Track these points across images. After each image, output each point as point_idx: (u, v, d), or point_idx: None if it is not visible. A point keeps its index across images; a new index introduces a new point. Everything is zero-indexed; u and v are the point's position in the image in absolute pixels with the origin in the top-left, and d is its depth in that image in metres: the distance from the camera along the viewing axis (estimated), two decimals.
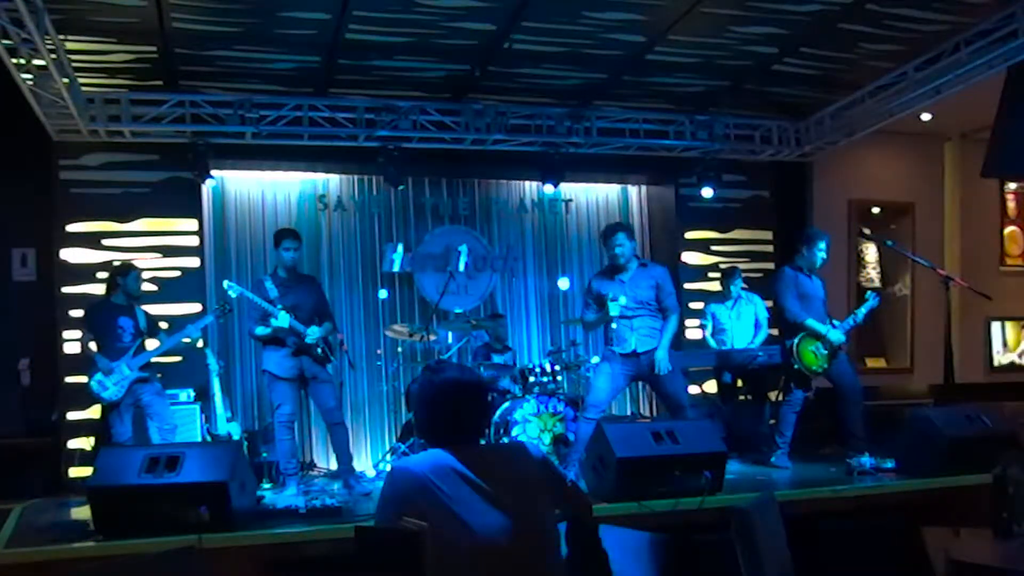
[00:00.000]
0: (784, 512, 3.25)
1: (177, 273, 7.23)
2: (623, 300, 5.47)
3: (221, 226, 7.75)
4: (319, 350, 5.77)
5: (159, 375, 6.07)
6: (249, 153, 7.49)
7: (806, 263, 6.03)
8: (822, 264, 6.06)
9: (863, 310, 6.03)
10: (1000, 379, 9.29)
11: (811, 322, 5.85)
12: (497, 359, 7.42)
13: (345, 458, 5.86)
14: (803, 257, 6.03)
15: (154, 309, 6.30)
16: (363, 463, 7.54)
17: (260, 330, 5.67)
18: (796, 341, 5.85)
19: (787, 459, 6.00)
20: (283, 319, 5.60)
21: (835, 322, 5.97)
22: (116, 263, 6.44)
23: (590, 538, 2.74)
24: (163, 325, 6.24)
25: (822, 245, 6.01)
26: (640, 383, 7.35)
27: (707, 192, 8.15)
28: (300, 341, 5.67)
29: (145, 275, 6.31)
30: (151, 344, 5.98)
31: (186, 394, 6.71)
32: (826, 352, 5.86)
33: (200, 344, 6.98)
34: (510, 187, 8.65)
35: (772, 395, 6.89)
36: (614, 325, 5.51)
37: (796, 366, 5.84)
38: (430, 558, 2.23)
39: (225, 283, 5.93)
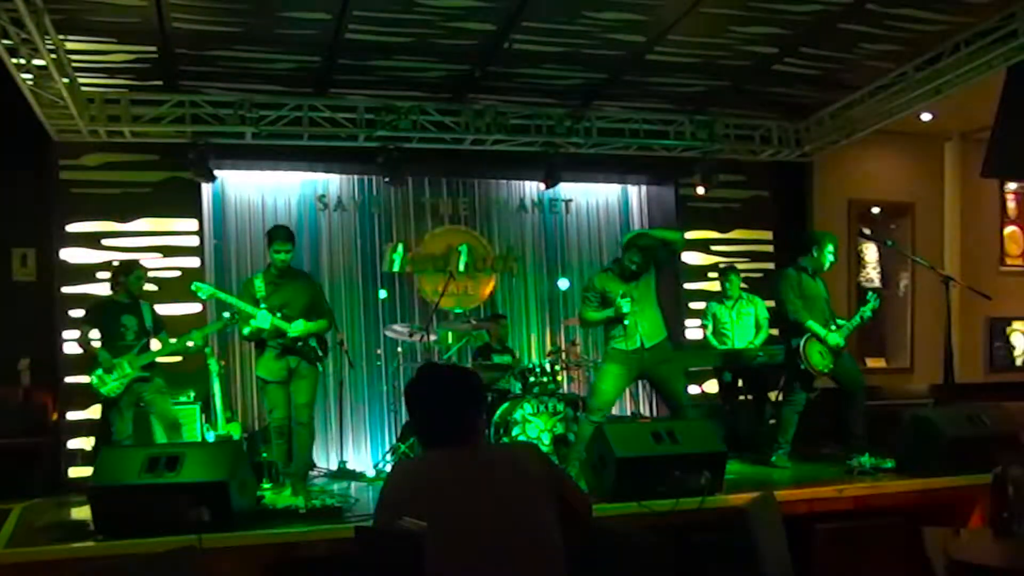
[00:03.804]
0: (784, 512, 3.25)
1: (177, 273, 7.22)
2: (630, 301, 5.46)
3: (221, 226, 7.75)
4: (303, 345, 5.55)
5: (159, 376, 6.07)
6: (249, 153, 7.48)
7: (813, 265, 6.00)
8: (831, 267, 6.06)
9: (867, 312, 6.01)
10: (1000, 379, 9.29)
11: (812, 323, 5.83)
12: (498, 360, 7.42)
13: (300, 461, 5.57)
14: (811, 259, 5.99)
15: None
16: (363, 463, 7.55)
17: (246, 329, 5.56)
18: (803, 342, 5.81)
19: (787, 459, 5.99)
20: (263, 319, 5.43)
21: (839, 321, 5.96)
22: (117, 262, 6.42)
23: (589, 538, 2.74)
24: None
25: (831, 248, 6.00)
26: (639, 383, 7.35)
27: (700, 190, 8.16)
28: (285, 341, 5.53)
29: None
30: (155, 344, 5.95)
31: (186, 394, 6.71)
32: (831, 353, 5.84)
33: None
34: (510, 187, 8.65)
35: (772, 395, 6.88)
36: (627, 322, 5.48)
37: (803, 367, 5.82)
38: (429, 559, 2.22)
39: (193, 285, 5.65)
